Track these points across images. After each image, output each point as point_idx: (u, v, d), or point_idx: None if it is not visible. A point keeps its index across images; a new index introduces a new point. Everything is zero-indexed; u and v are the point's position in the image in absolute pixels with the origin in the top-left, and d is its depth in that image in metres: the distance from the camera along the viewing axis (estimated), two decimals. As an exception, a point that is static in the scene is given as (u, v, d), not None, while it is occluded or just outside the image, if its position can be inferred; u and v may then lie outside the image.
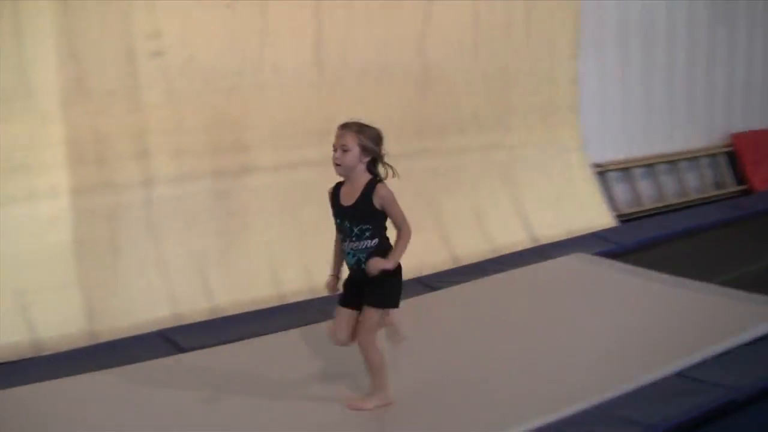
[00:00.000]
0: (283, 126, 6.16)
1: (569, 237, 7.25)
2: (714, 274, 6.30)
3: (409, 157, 6.70)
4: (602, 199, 7.93)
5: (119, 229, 5.54)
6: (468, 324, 5.40)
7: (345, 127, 4.14)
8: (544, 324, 5.39)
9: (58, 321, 5.22)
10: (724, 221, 7.95)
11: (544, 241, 7.17)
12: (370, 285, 4.14)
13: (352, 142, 4.08)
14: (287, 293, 5.95)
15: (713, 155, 9.49)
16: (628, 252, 6.94)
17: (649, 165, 8.85)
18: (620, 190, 8.54)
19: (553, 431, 4.09)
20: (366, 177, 4.12)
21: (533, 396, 4.42)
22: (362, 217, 4.09)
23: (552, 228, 7.31)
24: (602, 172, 8.29)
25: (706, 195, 9.11)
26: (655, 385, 4.53)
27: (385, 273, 4.06)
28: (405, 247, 4.11)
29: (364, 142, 4.08)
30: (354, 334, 4.22)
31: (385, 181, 4.12)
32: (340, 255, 4.28)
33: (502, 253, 6.86)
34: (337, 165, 4.12)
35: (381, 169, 4.14)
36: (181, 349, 5.04)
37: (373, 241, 4.10)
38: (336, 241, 4.29)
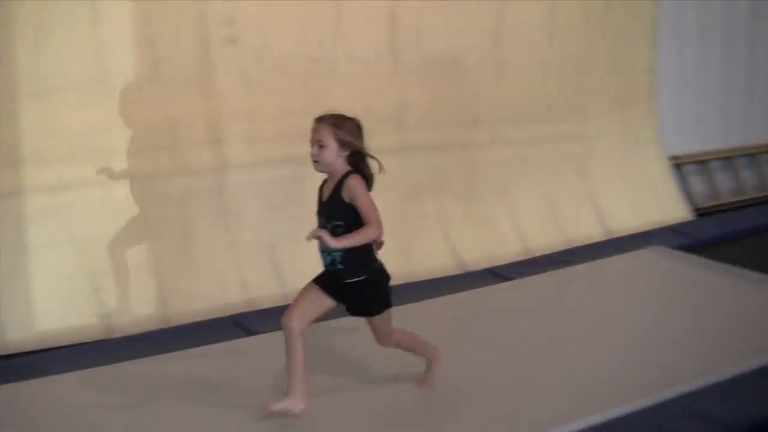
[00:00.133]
0: (356, 114, 6.08)
1: (644, 230, 7.10)
2: (796, 270, 6.11)
3: (482, 147, 6.68)
4: (679, 191, 7.76)
5: (192, 214, 5.56)
6: (540, 315, 5.33)
7: (320, 120, 3.88)
8: (619, 316, 5.30)
9: (131, 304, 5.27)
10: (807, 216, 7.73)
11: (618, 234, 7.04)
12: (348, 293, 3.93)
13: (328, 136, 3.83)
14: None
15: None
16: (706, 246, 6.78)
17: (727, 158, 8.62)
18: (697, 183, 8.33)
19: (630, 424, 4.01)
20: (343, 170, 3.87)
21: (607, 387, 4.34)
22: (334, 213, 3.83)
23: (627, 221, 7.18)
24: (679, 164, 8.11)
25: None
26: (734, 382, 4.41)
27: (364, 283, 3.89)
28: (362, 238, 3.75)
29: (342, 136, 3.83)
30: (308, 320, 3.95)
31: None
32: None
33: (576, 245, 6.77)
34: (314, 162, 3.88)
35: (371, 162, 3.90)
36: (252, 334, 5.05)
37: None
38: None
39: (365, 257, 3.89)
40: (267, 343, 4.79)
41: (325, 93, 5.96)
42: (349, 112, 5.98)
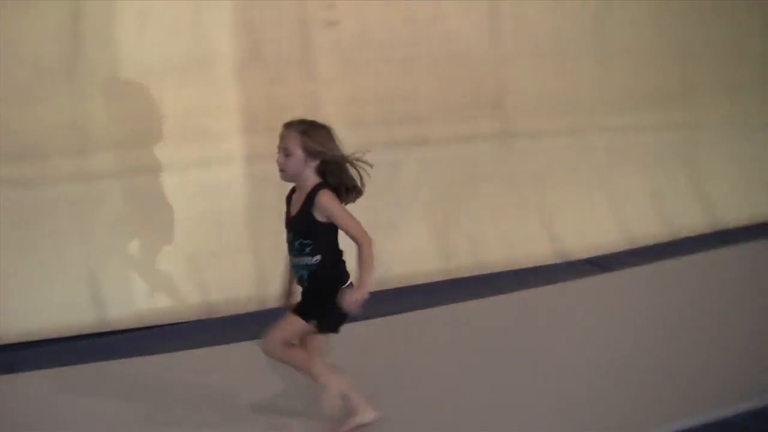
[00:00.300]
0: (455, 98, 6.04)
1: (755, 222, 6.84)
2: None
3: (583, 133, 6.51)
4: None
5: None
6: (642, 308, 5.17)
7: (288, 126, 3.63)
8: (726, 312, 5.07)
9: (230, 285, 5.29)
10: None
11: (725, 226, 6.79)
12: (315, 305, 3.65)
13: (294, 144, 3.57)
14: (458, 267, 5.86)
15: None
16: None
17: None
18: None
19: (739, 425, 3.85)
20: (312, 183, 3.61)
21: (711, 387, 4.16)
22: (303, 231, 3.58)
23: (735, 212, 6.92)
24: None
25: None
26: None
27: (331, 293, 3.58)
28: (371, 264, 3.51)
29: (309, 145, 3.56)
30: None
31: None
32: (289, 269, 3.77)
33: (680, 236, 6.55)
34: (280, 171, 3.64)
35: (354, 172, 3.64)
36: (353, 319, 4.99)
37: (315, 258, 3.57)
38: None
39: (335, 273, 3.64)
40: (365, 329, 4.76)
41: (425, 77, 5.91)
42: (447, 97, 6.07)
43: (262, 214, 5.42)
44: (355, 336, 4.72)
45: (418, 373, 4.31)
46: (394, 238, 5.77)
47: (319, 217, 3.55)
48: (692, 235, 6.59)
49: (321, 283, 3.61)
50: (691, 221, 6.75)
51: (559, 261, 6.09)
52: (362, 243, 3.53)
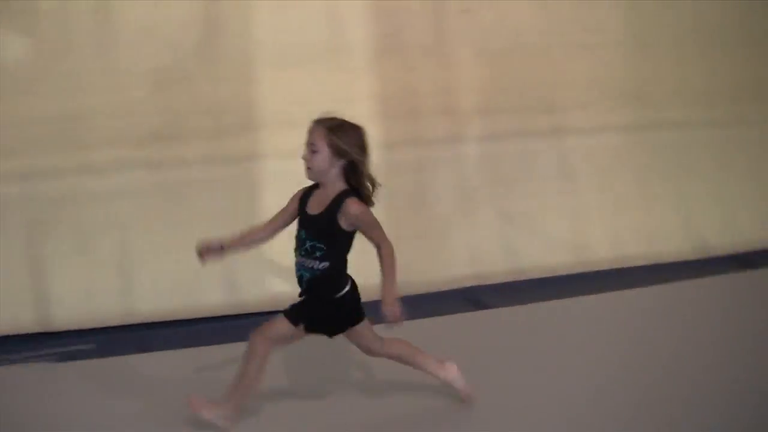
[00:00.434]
0: (593, 88, 5.91)
1: None
2: None
3: (727, 125, 6.25)
4: None
5: (426, 183, 5.53)
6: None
7: (318, 122, 3.49)
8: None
9: (362, 271, 5.26)
10: None
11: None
12: (310, 310, 3.55)
13: (321, 141, 3.43)
14: (595, 260, 5.76)
15: None
16: None
17: None
18: None
19: None
20: (338, 186, 3.47)
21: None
22: (320, 234, 3.45)
23: None
24: None
25: None
26: None
27: (337, 302, 3.52)
28: (394, 270, 3.46)
29: (337, 143, 3.42)
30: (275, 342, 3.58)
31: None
32: (250, 240, 3.65)
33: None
34: (306, 168, 3.50)
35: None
36: (483, 307, 5.02)
37: (322, 264, 3.46)
38: (261, 225, 3.67)
39: (339, 282, 3.54)
40: (496, 317, 4.80)
41: (559, 66, 5.81)
42: (582, 86, 5.94)
43: (397, 200, 5.38)
44: (482, 325, 4.74)
45: (549, 364, 4.22)
46: (528, 228, 5.70)
47: (344, 224, 3.44)
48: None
49: (320, 291, 3.52)
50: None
51: (700, 257, 5.90)
52: (386, 249, 3.47)
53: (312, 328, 3.55)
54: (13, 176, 4.80)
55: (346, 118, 3.51)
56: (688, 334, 4.54)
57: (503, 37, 5.68)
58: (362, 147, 3.46)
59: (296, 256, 3.53)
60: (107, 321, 4.89)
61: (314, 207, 3.49)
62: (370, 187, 3.48)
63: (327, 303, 3.53)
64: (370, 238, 3.48)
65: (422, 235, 5.47)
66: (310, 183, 3.58)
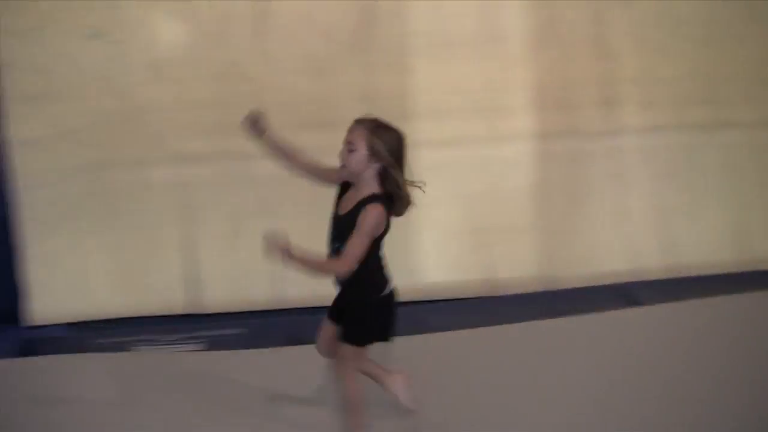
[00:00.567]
0: (756, 80, 5.64)
1: None
2: None
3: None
4: None
5: (581, 176, 5.42)
6: None
7: (359, 122, 3.41)
8: None
9: (515, 263, 5.26)
10: None
11: None
12: (345, 312, 3.55)
13: (359, 141, 3.35)
14: (757, 259, 5.55)
15: None
16: None
17: None
18: None
19: None
20: (370, 189, 3.40)
21: None
22: (342, 236, 3.37)
23: None
24: None
25: None
26: None
27: (358, 304, 3.47)
28: (320, 266, 3.37)
29: (375, 145, 3.34)
30: (333, 352, 3.64)
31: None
32: (286, 153, 3.60)
33: None
34: (342, 165, 3.43)
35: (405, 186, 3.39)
36: (636, 305, 4.92)
37: None
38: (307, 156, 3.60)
39: (362, 287, 3.46)
40: (652, 314, 4.69)
41: (722, 56, 5.56)
42: (746, 78, 5.64)
43: (549, 193, 5.35)
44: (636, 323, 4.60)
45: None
46: (687, 223, 5.54)
47: None
48: None
49: (348, 294, 3.51)
50: None
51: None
52: (341, 261, 3.34)
53: (342, 334, 3.56)
54: (166, 160, 4.95)
55: (389, 122, 3.44)
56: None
57: (664, 27, 5.50)
58: (396, 152, 3.38)
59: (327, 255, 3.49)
60: (257, 305, 5.00)
61: (344, 206, 3.46)
62: (404, 195, 3.40)
63: (356, 307, 3.51)
64: (349, 245, 3.34)
65: (576, 228, 5.39)
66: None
